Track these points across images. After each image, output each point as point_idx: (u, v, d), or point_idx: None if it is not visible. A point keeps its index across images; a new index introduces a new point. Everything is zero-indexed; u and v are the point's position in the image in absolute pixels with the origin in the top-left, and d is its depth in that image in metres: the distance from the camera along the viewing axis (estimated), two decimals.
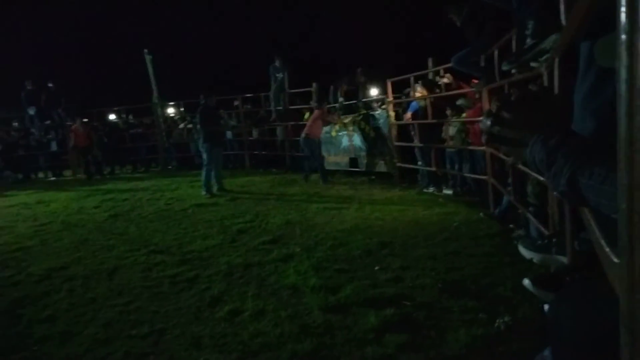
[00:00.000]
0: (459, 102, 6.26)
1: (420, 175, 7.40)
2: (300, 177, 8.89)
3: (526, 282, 1.43)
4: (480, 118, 5.38)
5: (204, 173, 7.90)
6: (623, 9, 0.43)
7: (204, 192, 7.82)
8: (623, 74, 0.43)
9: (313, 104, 9.42)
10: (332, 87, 10.04)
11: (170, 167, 13.38)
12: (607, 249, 0.60)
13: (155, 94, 12.80)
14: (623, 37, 0.43)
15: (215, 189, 8.02)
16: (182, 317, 3.08)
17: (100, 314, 3.24)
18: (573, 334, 0.79)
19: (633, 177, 0.44)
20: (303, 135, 8.42)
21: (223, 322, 2.94)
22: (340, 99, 9.76)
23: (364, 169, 8.65)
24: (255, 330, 2.78)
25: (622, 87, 0.44)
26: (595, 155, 0.65)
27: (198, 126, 8.06)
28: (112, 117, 15.34)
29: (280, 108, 10.92)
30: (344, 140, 8.93)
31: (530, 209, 3.80)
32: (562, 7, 1.82)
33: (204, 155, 7.93)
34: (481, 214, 5.13)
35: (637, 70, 0.42)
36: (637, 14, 0.42)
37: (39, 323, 3.16)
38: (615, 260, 0.53)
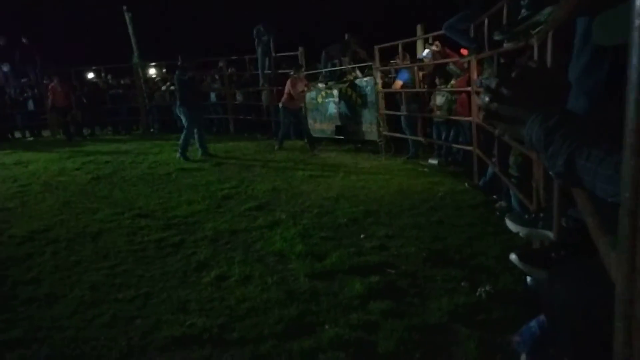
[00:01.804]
0: (449, 67, 6.21)
1: (411, 144, 7.42)
2: (286, 143, 8.81)
3: (513, 257, 1.46)
4: (468, 88, 5.31)
5: (182, 136, 7.80)
6: None
7: (178, 155, 7.73)
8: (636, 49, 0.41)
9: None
10: (323, 54, 9.82)
11: (152, 129, 13.11)
12: (604, 236, 0.61)
13: (135, 53, 12.38)
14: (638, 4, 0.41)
15: (199, 153, 7.93)
16: (168, 282, 3.10)
17: (85, 277, 3.24)
18: (567, 313, 0.81)
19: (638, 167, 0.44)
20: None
21: (209, 287, 2.97)
22: (329, 63, 9.57)
23: (350, 137, 8.61)
24: (241, 296, 2.82)
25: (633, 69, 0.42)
26: (593, 137, 0.64)
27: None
28: (90, 76, 14.83)
29: (270, 72, 10.68)
30: (331, 107, 8.83)
31: (513, 180, 3.85)
32: None
33: (183, 119, 7.84)
34: (466, 184, 5.20)
35: None
36: None
37: (24, 285, 3.15)
38: (614, 248, 0.54)
